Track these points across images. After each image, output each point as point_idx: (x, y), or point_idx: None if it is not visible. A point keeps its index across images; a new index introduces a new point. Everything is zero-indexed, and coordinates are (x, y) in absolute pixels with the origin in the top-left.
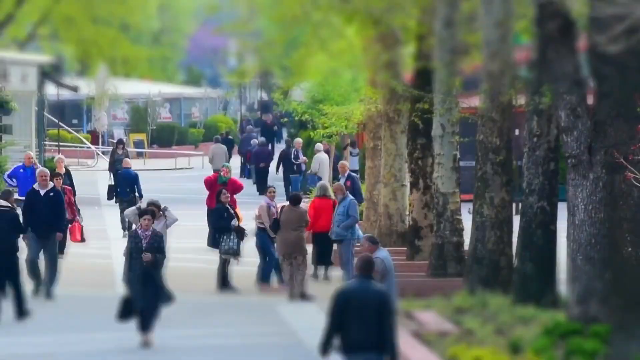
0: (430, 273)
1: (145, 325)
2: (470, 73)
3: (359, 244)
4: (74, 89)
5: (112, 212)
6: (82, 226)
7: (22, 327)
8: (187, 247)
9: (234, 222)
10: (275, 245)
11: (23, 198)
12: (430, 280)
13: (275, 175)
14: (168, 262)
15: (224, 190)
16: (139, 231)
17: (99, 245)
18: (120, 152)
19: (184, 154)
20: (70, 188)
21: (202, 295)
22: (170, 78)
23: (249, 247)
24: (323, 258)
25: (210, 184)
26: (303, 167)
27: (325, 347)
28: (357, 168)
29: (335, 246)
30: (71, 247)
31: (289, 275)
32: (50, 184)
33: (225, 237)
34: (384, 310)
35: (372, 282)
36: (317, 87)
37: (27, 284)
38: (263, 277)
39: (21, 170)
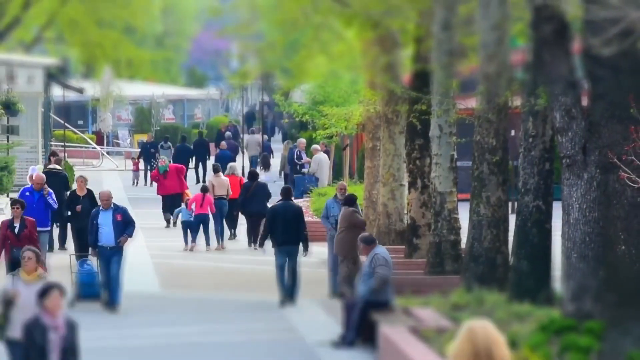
0: (428, 271)
1: None
2: (468, 75)
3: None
4: (80, 90)
5: None
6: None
7: None
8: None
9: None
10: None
11: None
12: (428, 278)
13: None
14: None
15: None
16: None
17: None
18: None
19: None
20: (32, 220)
21: (205, 293)
22: (173, 80)
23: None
24: (231, 221)
25: (155, 176)
26: (305, 167)
27: (262, 242)
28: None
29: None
30: None
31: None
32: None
33: None
34: (299, 219)
35: (291, 202)
36: (317, 88)
37: None
38: None
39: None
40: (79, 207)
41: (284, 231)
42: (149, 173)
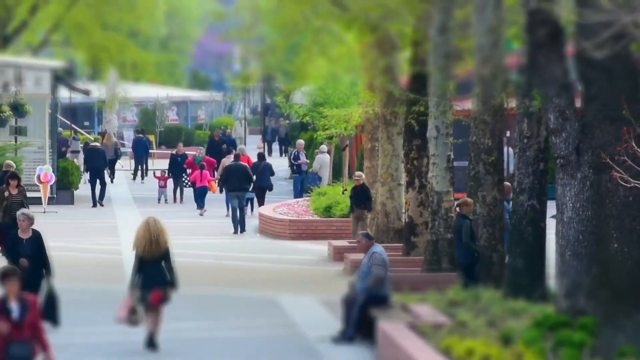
0: (425, 268)
1: None
2: (464, 77)
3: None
4: (86, 92)
5: (122, 210)
6: None
7: None
8: (193, 243)
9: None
10: None
11: None
12: (425, 275)
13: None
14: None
15: None
16: None
17: (109, 242)
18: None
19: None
20: None
21: (206, 289)
22: (177, 82)
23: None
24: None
25: (190, 163)
26: (304, 167)
27: (221, 188)
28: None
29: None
30: (82, 242)
31: None
32: None
33: None
34: (246, 174)
35: (240, 163)
36: (317, 90)
37: None
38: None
39: None
40: (24, 261)
41: (236, 181)
42: (178, 190)
